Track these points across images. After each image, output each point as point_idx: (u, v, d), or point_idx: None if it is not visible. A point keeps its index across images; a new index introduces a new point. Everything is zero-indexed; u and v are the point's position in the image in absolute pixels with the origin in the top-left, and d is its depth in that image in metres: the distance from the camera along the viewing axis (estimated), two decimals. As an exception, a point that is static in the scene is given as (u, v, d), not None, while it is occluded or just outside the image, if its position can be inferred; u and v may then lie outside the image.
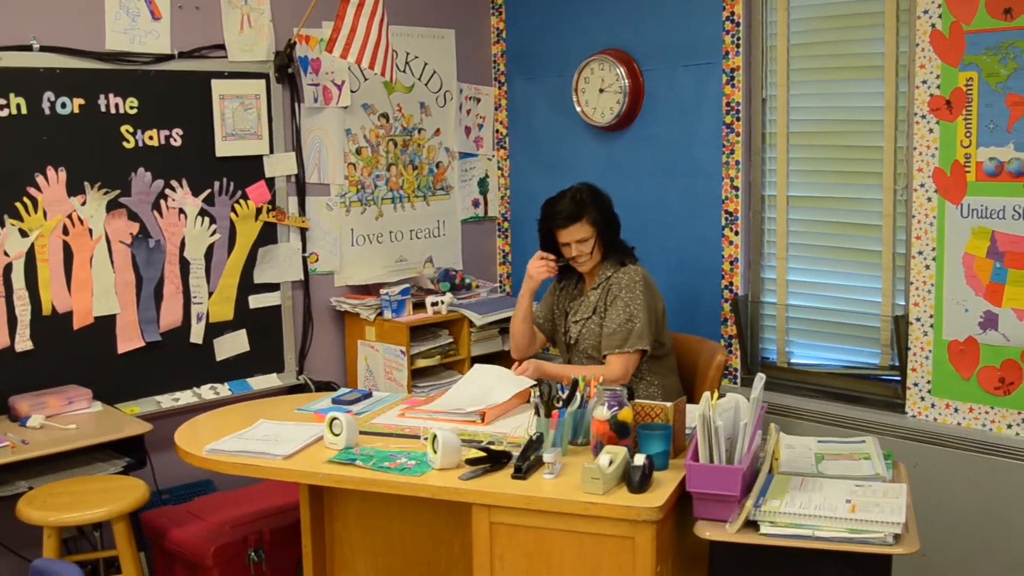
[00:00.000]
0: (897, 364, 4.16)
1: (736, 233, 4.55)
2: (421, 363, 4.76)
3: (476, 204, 5.53)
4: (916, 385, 4.03)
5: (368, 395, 3.83)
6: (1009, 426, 3.81)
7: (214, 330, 4.53)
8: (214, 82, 4.43)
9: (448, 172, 5.39)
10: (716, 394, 2.88)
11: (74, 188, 4.08)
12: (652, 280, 3.90)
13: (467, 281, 5.18)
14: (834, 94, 4.29)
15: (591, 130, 5.05)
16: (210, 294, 4.49)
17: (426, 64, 5.24)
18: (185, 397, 4.41)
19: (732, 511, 2.69)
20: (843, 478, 2.90)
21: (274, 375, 4.73)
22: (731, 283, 4.59)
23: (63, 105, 4.03)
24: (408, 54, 5.14)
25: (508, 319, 4.95)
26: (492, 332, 5.00)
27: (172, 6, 4.29)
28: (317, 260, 4.86)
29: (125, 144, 4.20)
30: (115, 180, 4.18)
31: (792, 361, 4.53)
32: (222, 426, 3.49)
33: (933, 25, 3.83)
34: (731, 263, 4.58)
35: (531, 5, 5.30)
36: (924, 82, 3.88)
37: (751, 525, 2.66)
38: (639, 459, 2.79)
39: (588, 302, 3.90)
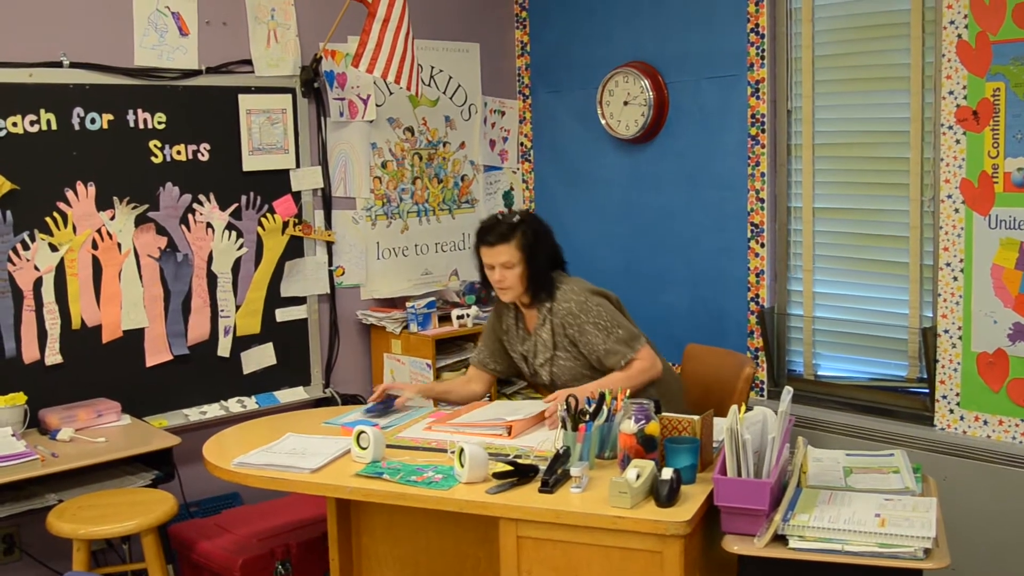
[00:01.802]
0: (925, 376, 4.14)
1: (762, 245, 4.54)
2: (447, 376, 4.75)
3: (501, 217, 5.54)
4: (945, 398, 4.01)
5: (390, 402, 3.81)
6: (1039, 439, 3.79)
7: (241, 343, 4.56)
8: (241, 97, 4.47)
9: (473, 185, 5.40)
10: (744, 407, 2.87)
11: (103, 203, 4.11)
12: (587, 282, 3.77)
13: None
14: (860, 105, 4.28)
15: (616, 143, 5.05)
16: (237, 307, 4.52)
17: (451, 78, 5.26)
18: (212, 410, 4.44)
19: (760, 525, 2.67)
20: (872, 492, 2.88)
21: (301, 388, 4.75)
22: (757, 295, 4.58)
23: (92, 121, 4.07)
24: (433, 68, 5.17)
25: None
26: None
27: (199, 22, 4.33)
28: (343, 273, 4.88)
29: (153, 159, 4.24)
30: (143, 195, 4.22)
31: (819, 373, 4.52)
32: (249, 439, 3.50)
33: (959, 35, 3.82)
34: (757, 275, 4.57)
35: (555, 18, 5.32)
36: (951, 93, 3.87)
37: (780, 539, 2.64)
38: (667, 473, 2.78)
39: (542, 341, 3.75)
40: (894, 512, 2.69)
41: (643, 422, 2.96)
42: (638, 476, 2.77)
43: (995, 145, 3.78)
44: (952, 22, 3.84)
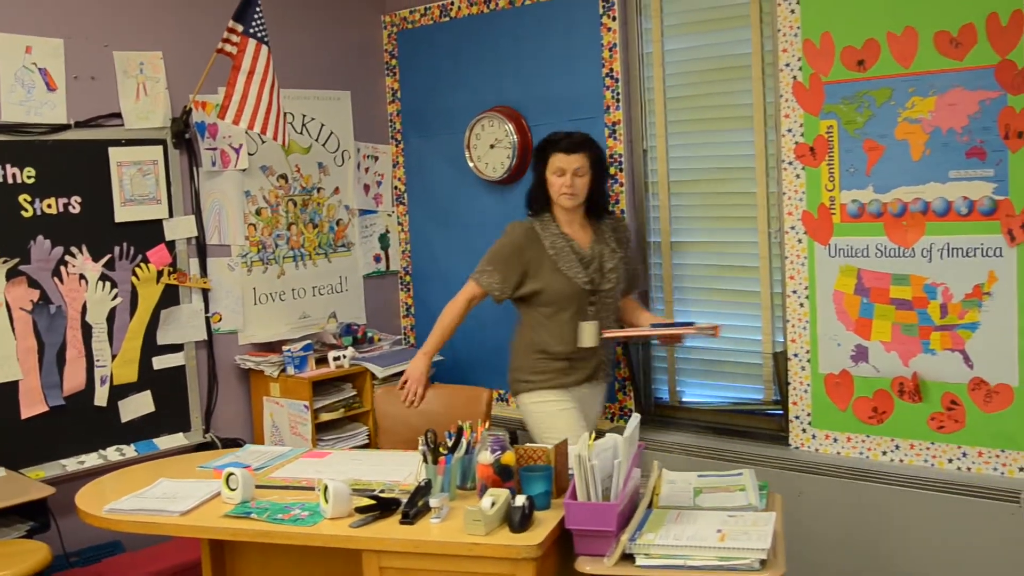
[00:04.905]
0: (779, 398, 4.35)
1: (625, 279, 4.72)
2: (325, 416, 4.84)
3: (378, 259, 5.65)
4: (797, 418, 4.22)
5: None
6: (884, 453, 4.01)
7: (118, 392, 4.58)
8: (111, 150, 4.51)
9: (349, 229, 5.51)
10: (594, 435, 3.03)
11: (-28, 258, 4.13)
12: None
13: (369, 335, 5.28)
14: (709, 143, 4.52)
15: (484, 184, 5.20)
16: (113, 357, 4.55)
17: (323, 125, 5.37)
18: (91, 460, 4.44)
19: (610, 546, 2.82)
20: (718, 509, 3.05)
21: (180, 434, 4.78)
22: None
23: (-41, 177, 4.09)
24: (304, 116, 5.27)
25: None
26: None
27: (67, 77, 4.38)
28: (220, 320, 4.94)
29: (23, 213, 4.26)
30: (14, 248, 4.23)
31: (683, 400, 4.70)
32: (126, 486, 3.53)
33: (795, 77, 4.06)
34: (622, 308, 4.74)
35: (423, 66, 5.47)
36: (789, 130, 4.11)
37: (628, 558, 2.79)
38: (520, 500, 2.92)
39: (610, 249, 4.15)
40: (735, 527, 2.86)
41: (499, 452, 3.11)
42: (492, 504, 2.91)
43: (831, 179, 4.02)
44: (788, 64, 4.08)
